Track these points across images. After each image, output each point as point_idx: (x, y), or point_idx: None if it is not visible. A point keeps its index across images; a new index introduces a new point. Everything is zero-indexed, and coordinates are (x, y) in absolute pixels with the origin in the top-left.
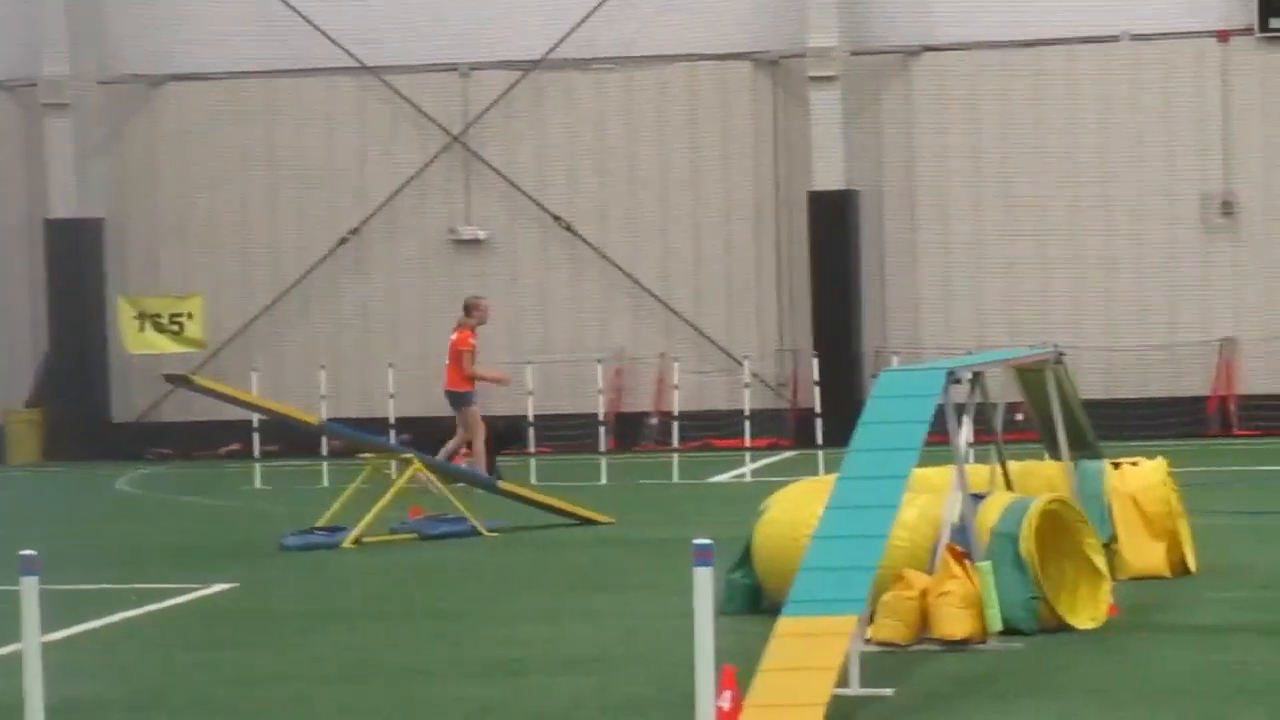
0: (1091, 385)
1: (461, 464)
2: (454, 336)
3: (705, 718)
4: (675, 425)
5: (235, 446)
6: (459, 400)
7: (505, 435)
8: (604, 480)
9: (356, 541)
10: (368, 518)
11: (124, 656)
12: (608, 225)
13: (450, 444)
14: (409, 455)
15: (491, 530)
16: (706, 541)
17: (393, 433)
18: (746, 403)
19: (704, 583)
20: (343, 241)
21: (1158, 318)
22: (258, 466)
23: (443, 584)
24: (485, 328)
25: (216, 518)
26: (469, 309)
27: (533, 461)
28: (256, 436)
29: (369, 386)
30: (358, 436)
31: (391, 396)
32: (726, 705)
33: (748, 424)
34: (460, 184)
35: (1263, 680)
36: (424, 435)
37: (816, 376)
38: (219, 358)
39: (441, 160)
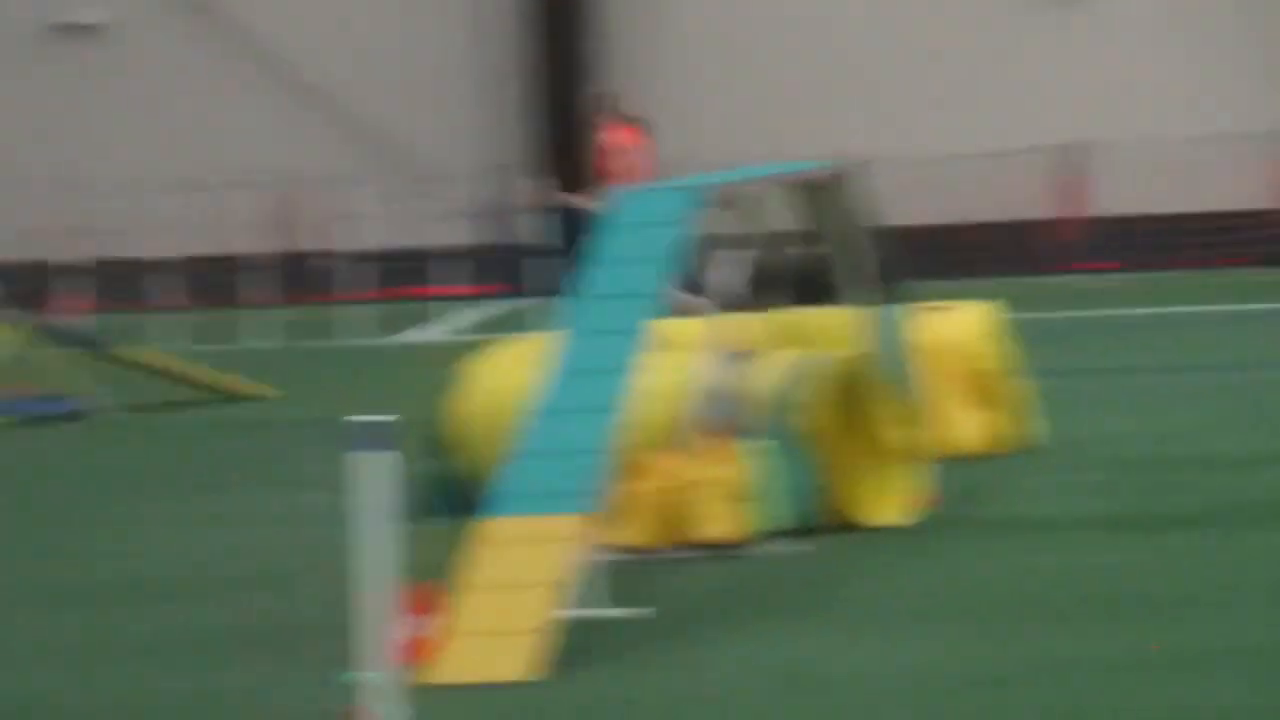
0: (894, 206)
1: None
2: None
3: (377, 651)
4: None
5: None
6: None
7: None
8: (262, 342)
9: None
10: None
11: None
12: (266, 9)
13: None
14: None
15: (107, 410)
16: (384, 420)
17: None
18: (452, 238)
19: (378, 474)
20: None
21: (984, 119)
22: None
23: (41, 481)
24: (90, 145)
25: None
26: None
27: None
28: None
29: None
30: None
31: None
32: (417, 634)
33: (453, 266)
34: None
35: (1114, 587)
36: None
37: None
38: None
39: None
